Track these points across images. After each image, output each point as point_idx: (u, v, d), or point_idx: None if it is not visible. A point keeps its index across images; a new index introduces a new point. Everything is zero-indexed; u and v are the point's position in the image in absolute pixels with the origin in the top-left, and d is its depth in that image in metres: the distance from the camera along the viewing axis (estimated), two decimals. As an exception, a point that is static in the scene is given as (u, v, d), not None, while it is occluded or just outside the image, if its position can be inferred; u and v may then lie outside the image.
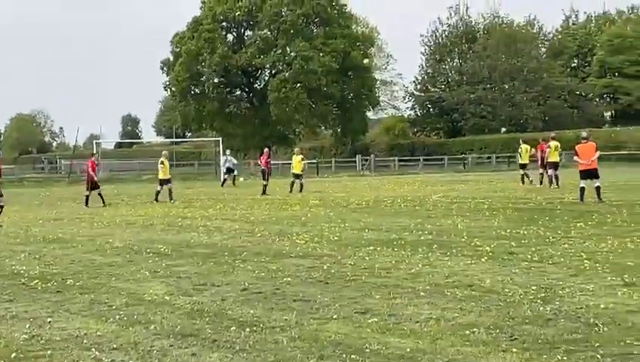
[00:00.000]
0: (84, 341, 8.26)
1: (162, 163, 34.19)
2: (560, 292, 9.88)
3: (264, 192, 36.16)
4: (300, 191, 36.19)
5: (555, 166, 33.70)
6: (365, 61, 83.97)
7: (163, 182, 33.74)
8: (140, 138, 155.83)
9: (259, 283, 11.38)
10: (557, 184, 33.04)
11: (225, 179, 48.07)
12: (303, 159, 38.74)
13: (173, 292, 10.85)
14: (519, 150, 38.61)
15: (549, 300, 9.40)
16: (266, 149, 41.90)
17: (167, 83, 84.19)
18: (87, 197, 31.86)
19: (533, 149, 38.29)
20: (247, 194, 36.95)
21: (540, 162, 36.41)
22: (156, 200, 32.95)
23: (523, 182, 36.70)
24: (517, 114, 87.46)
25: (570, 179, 31.53)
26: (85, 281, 12.09)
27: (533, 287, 10.21)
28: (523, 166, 37.85)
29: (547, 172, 34.63)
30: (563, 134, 54.93)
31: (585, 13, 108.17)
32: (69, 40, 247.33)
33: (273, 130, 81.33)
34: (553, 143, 34.07)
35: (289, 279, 11.59)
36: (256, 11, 78.69)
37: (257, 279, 11.73)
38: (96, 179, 32.64)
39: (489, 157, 75.17)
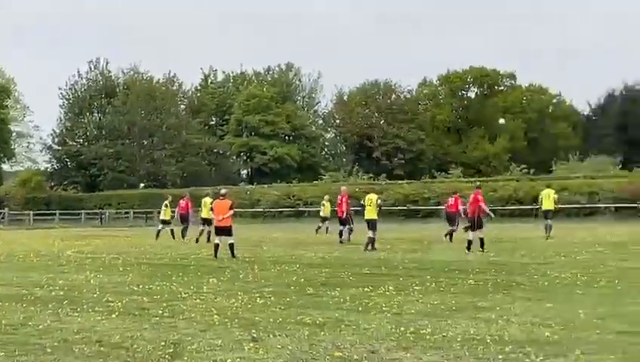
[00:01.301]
0: None
1: None
2: (189, 347, 9.95)
3: None
4: None
5: (207, 222, 34.51)
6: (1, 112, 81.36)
7: None
8: None
9: None
10: (208, 239, 33.46)
11: None
12: None
13: None
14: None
15: (178, 355, 9.46)
16: None
17: None
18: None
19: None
20: None
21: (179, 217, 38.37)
22: None
23: (174, 237, 37.42)
24: (156, 170, 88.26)
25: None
26: None
27: (163, 342, 10.22)
28: (164, 222, 38.43)
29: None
30: (201, 191, 55.73)
31: (223, 72, 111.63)
32: None
33: None
34: (206, 199, 35.13)
35: None
36: None
37: None
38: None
39: (127, 213, 74.94)
